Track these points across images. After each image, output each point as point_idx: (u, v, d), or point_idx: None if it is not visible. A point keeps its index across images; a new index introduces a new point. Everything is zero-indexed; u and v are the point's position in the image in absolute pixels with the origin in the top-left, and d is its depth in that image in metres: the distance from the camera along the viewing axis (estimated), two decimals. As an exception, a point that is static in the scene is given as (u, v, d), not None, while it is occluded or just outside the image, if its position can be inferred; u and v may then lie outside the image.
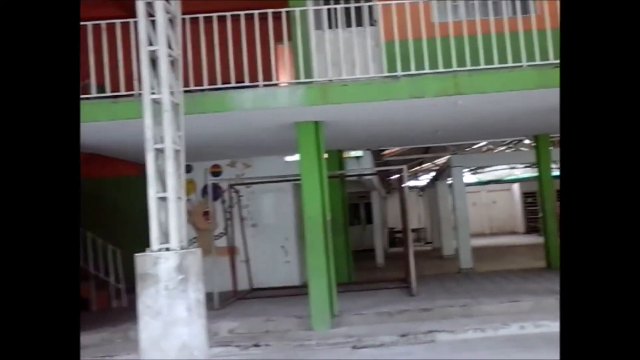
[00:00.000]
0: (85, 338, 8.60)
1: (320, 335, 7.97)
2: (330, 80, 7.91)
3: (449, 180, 16.42)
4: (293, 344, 7.72)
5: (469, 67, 7.78)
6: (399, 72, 7.81)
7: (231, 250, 11.87)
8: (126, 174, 11.76)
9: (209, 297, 7.03)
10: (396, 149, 16.22)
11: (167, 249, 6.39)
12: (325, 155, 8.97)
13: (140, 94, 6.78)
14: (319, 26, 8.32)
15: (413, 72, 7.78)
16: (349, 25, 8.51)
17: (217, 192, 11.96)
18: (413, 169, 20.37)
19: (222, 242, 11.87)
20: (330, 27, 8.23)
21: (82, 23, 7.84)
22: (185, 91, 7.22)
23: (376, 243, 18.06)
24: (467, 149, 16.76)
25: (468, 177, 21.38)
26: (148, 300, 6.27)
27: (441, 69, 7.80)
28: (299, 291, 10.50)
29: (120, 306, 11.12)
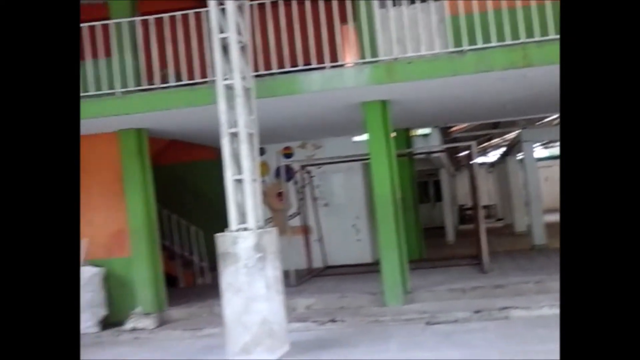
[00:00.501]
0: (175, 312, 9.08)
1: (394, 311, 8.05)
2: (395, 59, 7.88)
3: (520, 156, 16.03)
4: (367, 320, 7.83)
5: (538, 38, 7.56)
6: (465, 47, 7.69)
7: (305, 230, 12.09)
8: (205, 158, 12.10)
9: (285, 274, 7.22)
10: (464, 125, 15.95)
11: (245, 229, 6.61)
12: (393, 134, 8.97)
13: (214, 81, 6.99)
14: (383, 4, 8.27)
15: (480, 45, 7.64)
16: (412, 1, 8.42)
17: (289, 173, 12.17)
18: (482, 145, 19.97)
19: (295, 222, 12.10)
20: (394, 4, 8.16)
21: (158, 16, 8.20)
22: (256, 76, 7.38)
23: (446, 220, 17.90)
24: (538, 123, 16.27)
25: (539, 152, 20.78)
26: (229, 277, 6.53)
27: (509, 41, 7.61)
28: (371, 268, 10.60)
29: (204, 283, 11.55)
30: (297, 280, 10.31)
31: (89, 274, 8.84)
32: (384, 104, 8.55)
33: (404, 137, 12.41)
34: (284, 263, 7.08)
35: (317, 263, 12.13)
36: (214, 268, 11.32)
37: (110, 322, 8.88)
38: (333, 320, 7.92)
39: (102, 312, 8.89)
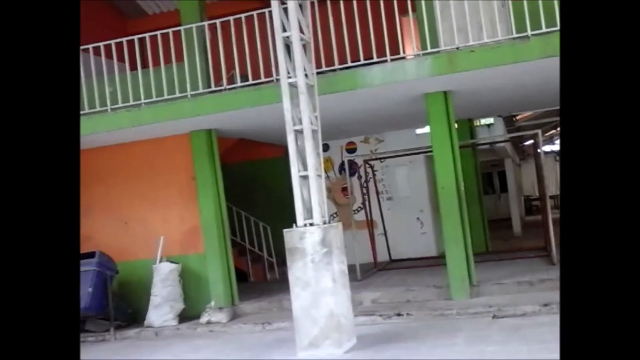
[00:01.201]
0: (247, 307, 9.16)
1: (460, 304, 7.83)
2: (457, 48, 7.63)
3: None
4: (434, 313, 7.65)
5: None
6: (529, 32, 7.35)
7: (369, 224, 11.97)
8: (272, 156, 12.19)
9: (350, 269, 7.13)
10: (529, 113, 15.38)
11: (312, 224, 6.57)
12: (456, 125, 8.71)
13: (278, 80, 6.97)
14: (442, -6, 8.02)
15: (544, 30, 7.27)
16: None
17: (353, 168, 12.08)
18: (548, 133, 19.24)
19: (360, 216, 12.00)
20: (454, -9, 7.90)
21: (224, 19, 8.28)
22: (318, 72, 7.32)
23: (512, 212, 17.32)
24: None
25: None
26: (297, 272, 6.51)
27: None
28: (436, 262, 10.37)
29: (273, 278, 11.63)
30: (363, 274, 10.21)
31: (167, 270, 9.05)
32: (446, 94, 8.32)
33: (467, 128, 12.06)
34: (349, 257, 7.00)
35: (382, 257, 11.98)
36: (282, 263, 11.39)
37: (187, 316, 9.05)
38: (399, 314, 7.78)
39: (180, 305, 9.07)
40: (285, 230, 6.63)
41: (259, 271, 11.86)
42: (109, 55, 8.95)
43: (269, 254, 11.83)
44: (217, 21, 8.37)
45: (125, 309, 9.33)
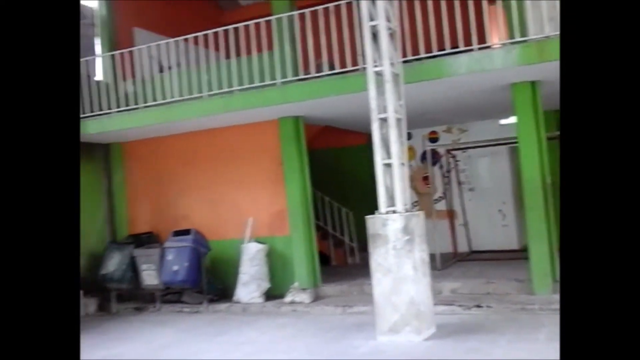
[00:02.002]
0: (328, 289, 9.06)
1: (543, 299, 7.31)
2: (547, 37, 7.07)
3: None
4: (514, 307, 7.21)
5: None
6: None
7: (450, 214, 11.54)
8: (356, 143, 11.97)
9: (431, 257, 6.83)
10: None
11: (394, 212, 6.33)
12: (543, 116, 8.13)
13: (364, 68, 6.74)
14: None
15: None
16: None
17: (435, 157, 11.66)
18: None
19: (441, 206, 11.58)
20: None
21: (313, 9, 8.13)
22: (404, 61, 7.02)
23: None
24: None
25: None
26: (379, 258, 6.29)
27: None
28: (518, 255, 9.81)
29: (354, 263, 11.46)
30: (443, 263, 9.82)
31: (254, 250, 9.09)
32: (533, 84, 7.76)
33: (555, 119, 11.31)
34: (429, 246, 6.70)
35: (462, 247, 11.50)
36: (363, 248, 11.18)
37: (272, 295, 9.05)
38: (479, 306, 7.39)
39: (266, 284, 9.09)
40: (367, 217, 6.42)
41: (340, 255, 11.73)
42: (206, 45, 9.03)
43: (350, 239, 11.66)
44: (307, 11, 8.23)
45: (217, 284, 9.47)
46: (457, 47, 7.41)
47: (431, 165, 11.13)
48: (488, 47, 7.44)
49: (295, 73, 8.47)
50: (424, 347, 5.99)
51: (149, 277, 9.36)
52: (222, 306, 9.00)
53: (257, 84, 8.53)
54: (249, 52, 8.63)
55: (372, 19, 6.47)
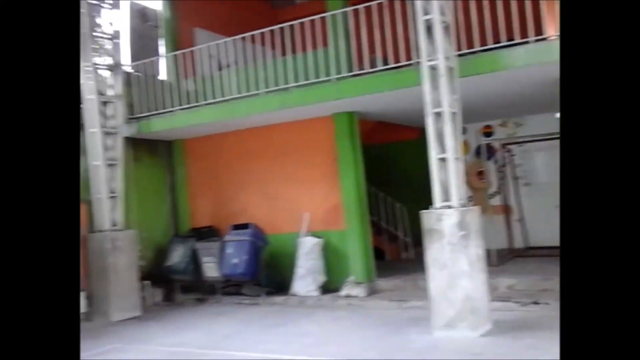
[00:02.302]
0: (383, 283, 8.97)
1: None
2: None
3: None
4: (574, 304, 6.90)
5: None
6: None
7: (505, 209, 11.19)
8: (409, 138, 11.80)
9: (486, 253, 6.63)
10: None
11: (449, 207, 6.18)
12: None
13: (418, 62, 6.60)
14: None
15: None
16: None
17: (490, 152, 11.33)
18: None
19: (496, 201, 11.25)
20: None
21: (367, 4, 8.03)
22: (459, 55, 6.83)
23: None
24: None
25: None
26: (434, 253, 6.17)
27: None
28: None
29: (408, 258, 11.29)
30: (498, 259, 9.53)
31: (310, 244, 9.11)
32: (594, 77, 7.39)
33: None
34: (484, 242, 6.50)
35: (518, 243, 11.13)
36: (417, 243, 11.00)
37: (328, 288, 9.05)
38: (536, 303, 7.13)
39: (322, 278, 9.09)
40: (422, 212, 6.30)
41: (394, 250, 11.59)
42: (262, 43, 9.09)
43: (404, 233, 11.51)
44: (361, 6, 8.13)
45: (274, 277, 9.54)
46: (512, 39, 7.14)
47: (486, 159, 10.82)
48: (545, 38, 7.13)
49: (350, 69, 8.40)
50: (480, 343, 5.83)
51: (210, 269, 9.54)
52: (280, 299, 9.07)
53: (312, 80, 8.52)
54: (304, 49, 8.62)
55: (426, 13, 6.32)
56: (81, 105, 9.11)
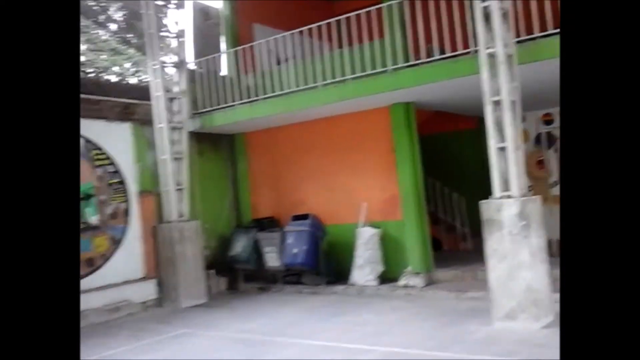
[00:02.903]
0: (441, 274, 8.85)
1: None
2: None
3: None
4: None
5: None
6: None
7: (568, 198, 10.73)
8: (466, 127, 11.53)
9: (548, 244, 6.39)
10: None
11: (509, 197, 6.00)
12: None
13: (476, 51, 6.41)
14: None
15: None
16: None
17: (550, 140, 10.88)
18: None
19: (557, 191, 10.82)
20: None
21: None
22: (518, 41, 6.58)
23: None
24: None
25: None
26: (494, 244, 6.02)
27: None
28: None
29: (466, 248, 11.07)
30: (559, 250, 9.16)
31: (368, 234, 9.09)
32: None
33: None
34: (546, 232, 6.27)
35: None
36: (475, 234, 10.74)
37: (386, 278, 9.01)
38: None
39: (380, 268, 9.06)
40: (482, 202, 6.15)
41: (452, 241, 11.38)
42: (319, 36, 9.09)
43: (462, 224, 11.27)
44: (417, -4, 7.96)
45: (333, 267, 9.59)
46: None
47: (546, 148, 10.41)
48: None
49: (406, 59, 8.26)
50: (542, 335, 5.65)
51: (271, 259, 9.69)
52: (339, 288, 9.11)
53: (369, 71, 8.45)
54: (360, 40, 8.55)
55: (484, 0, 6.12)
56: (150, 102, 9.46)
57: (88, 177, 8.80)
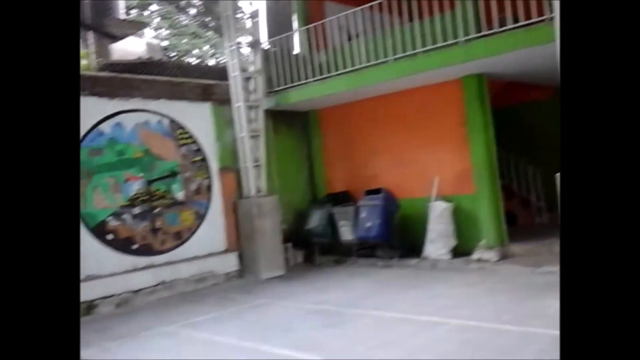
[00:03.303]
0: (515, 248, 8.66)
1: None
2: None
3: None
4: None
5: None
6: None
7: None
8: (541, 98, 11.05)
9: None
10: None
11: (587, 169, 5.72)
12: None
13: (551, 18, 6.10)
14: None
15: None
16: None
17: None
18: None
19: None
20: None
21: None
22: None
23: None
24: None
25: None
26: (569, 218, 5.78)
27: None
28: None
29: (541, 222, 10.70)
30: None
31: (440, 208, 9.01)
32: None
33: None
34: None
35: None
36: (551, 208, 10.35)
37: (459, 252, 8.92)
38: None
39: (452, 242, 8.98)
40: (557, 175, 5.90)
41: (527, 215, 10.99)
42: (389, 11, 8.97)
43: (537, 198, 10.87)
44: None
45: (406, 240, 9.60)
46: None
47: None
48: None
49: (478, 30, 7.99)
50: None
51: (346, 232, 9.84)
52: (412, 261, 9.12)
53: (440, 44, 8.26)
54: (431, 13, 8.35)
55: (560, -35, 5.79)
56: (227, 82, 9.76)
57: (174, 155, 9.28)
